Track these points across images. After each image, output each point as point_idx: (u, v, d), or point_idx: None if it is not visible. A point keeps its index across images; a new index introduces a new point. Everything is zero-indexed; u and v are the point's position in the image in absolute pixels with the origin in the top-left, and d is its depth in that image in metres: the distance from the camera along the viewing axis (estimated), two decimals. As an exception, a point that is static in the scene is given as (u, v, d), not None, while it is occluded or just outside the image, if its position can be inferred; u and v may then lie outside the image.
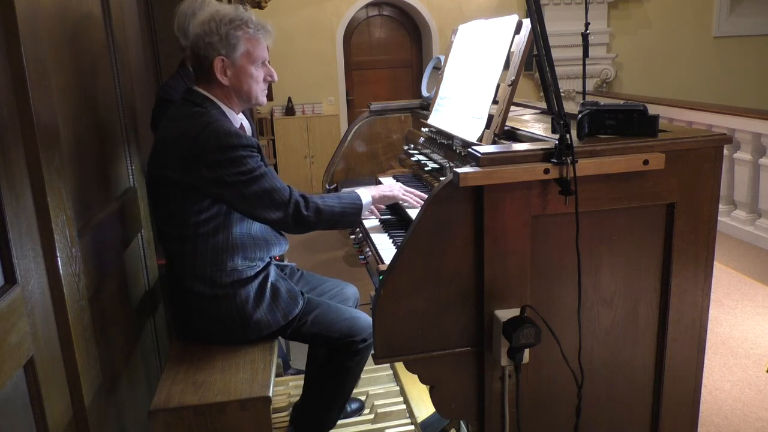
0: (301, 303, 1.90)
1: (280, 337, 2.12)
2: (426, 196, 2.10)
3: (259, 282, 1.84)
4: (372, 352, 1.50)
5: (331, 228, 1.94)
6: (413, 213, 2.01)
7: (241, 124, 1.90)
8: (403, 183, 2.35)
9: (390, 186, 2.12)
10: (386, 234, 2.07)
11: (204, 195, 1.74)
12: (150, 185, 1.87)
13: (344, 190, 2.19)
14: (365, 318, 2.01)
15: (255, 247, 1.84)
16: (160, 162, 1.78)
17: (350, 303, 2.22)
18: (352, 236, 2.24)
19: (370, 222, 2.19)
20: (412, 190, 2.13)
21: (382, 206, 2.17)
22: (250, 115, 2.59)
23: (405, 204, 2.09)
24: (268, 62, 1.86)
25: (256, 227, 1.85)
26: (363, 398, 2.61)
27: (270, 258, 1.93)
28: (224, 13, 1.75)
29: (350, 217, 1.92)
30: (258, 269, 1.85)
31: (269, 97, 7.04)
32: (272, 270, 1.91)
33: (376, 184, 2.46)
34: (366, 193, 1.99)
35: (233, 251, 1.79)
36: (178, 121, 1.77)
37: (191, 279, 1.81)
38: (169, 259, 1.91)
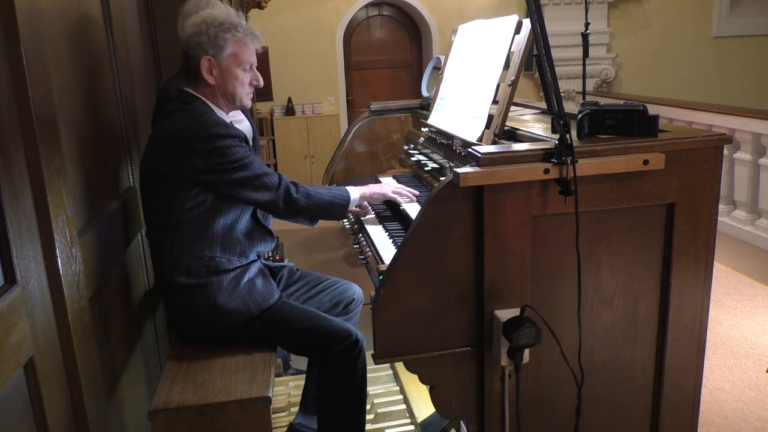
0: (276, 296, 1.90)
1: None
2: (416, 192, 2.15)
3: (236, 274, 1.85)
4: (372, 352, 1.50)
5: (319, 216, 2.00)
6: (413, 213, 2.01)
7: (231, 122, 1.92)
8: (403, 183, 2.35)
9: (381, 185, 2.18)
10: (386, 234, 2.07)
11: (193, 184, 1.78)
12: (141, 179, 1.89)
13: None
14: (346, 327, 1.89)
15: (236, 242, 1.86)
16: (151, 156, 1.82)
17: (353, 302, 2.22)
18: (352, 235, 2.24)
19: (371, 221, 2.20)
20: (403, 187, 2.18)
21: (379, 204, 2.22)
22: (250, 114, 2.59)
23: (397, 200, 2.13)
24: (255, 67, 1.91)
25: (241, 223, 1.87)
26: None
27: (256, 256, 1.94)
28: (216, 16, 1.82)
29: (338, 208, 1.99)
30: (238, 264, 1.86)
31: (269, 97, 7.07)
32: (254, 267, 1.91)
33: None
34: (356, 190, 2.06)
35: (212, 241, 1.82)
36: (170, 118, 1.82)
37: (170, 268, 1.83)
38: (152, 252, 1.93)
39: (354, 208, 2.14)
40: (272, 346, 1.88)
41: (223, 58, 1.82)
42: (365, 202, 2.16)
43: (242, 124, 2.50)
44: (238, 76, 1.85)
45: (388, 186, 2.17)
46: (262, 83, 1.95)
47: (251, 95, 1.93)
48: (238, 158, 1.77)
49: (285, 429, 2.43)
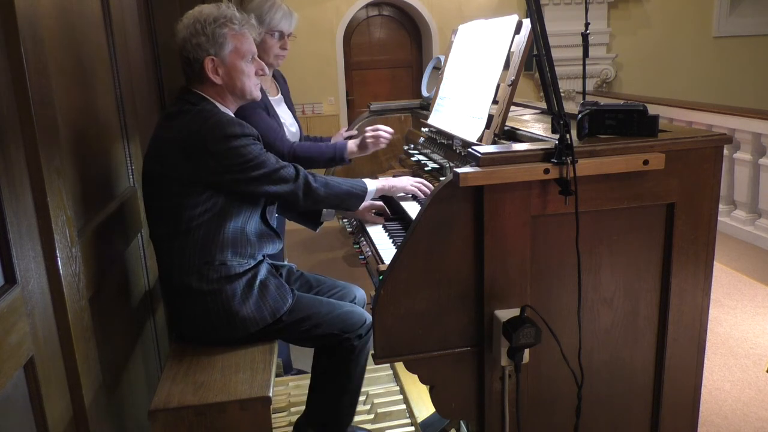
0: (290, 300, 1.89)
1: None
2: (431, 186, 2.12)
3: (248, 279, 1.84)
4: (372, 352, 1.50)
5: (336, 207, 2.01)
6: (413, 213, 2.01)
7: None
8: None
9: (399, 178, 2.16)
10: (386, 234, 2.07)
11: (204, 187, 1.75)
12: (145, 182, 1.86)
13: None
14: (359, 312, 2.00)
15: (246, 243, 1.84)
16: (159, 159, 1.78)
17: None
18: (352, 235, 2.24)
19: (373, 225, 2.19)
20: (422, 180, 2.15)
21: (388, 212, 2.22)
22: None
23: (417, 194, 2.11)
24: (257, 56, 1.87)
25: (250, 225, 1.85)
26: (363, 398, 2.60)
27: (263, 256, 1.93)
28: (208, 13, 1.78)
29: (355, 199, 1.98)
30: (248, 266, 1.85)
31: (269, 96, 7.02)
32: (263, 268, 1.90)
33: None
34: (373, 182, 2.04)
35: (223, 245, 1.80)
36: (176, 119, 1.78)
37: (179, 274, 1.81)
38: (159, 257, 1.90)
39: (371, 216, 2.13)
40: (272, 346, 1.88)
41: (226, 55, 1.78)
42: (380, 214, 2.14)
43: (294, 126, 2.50)
44: (243, 70, 1.81)
45: (406, 179, 2.14)
46: (267, 71, 1.91)
47: (258, 86, 1.90)
48: (254, 156, 1.75)
49: (285, 429, 2.43)
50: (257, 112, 2.28)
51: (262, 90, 2.31)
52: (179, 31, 1.80)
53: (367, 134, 2.33)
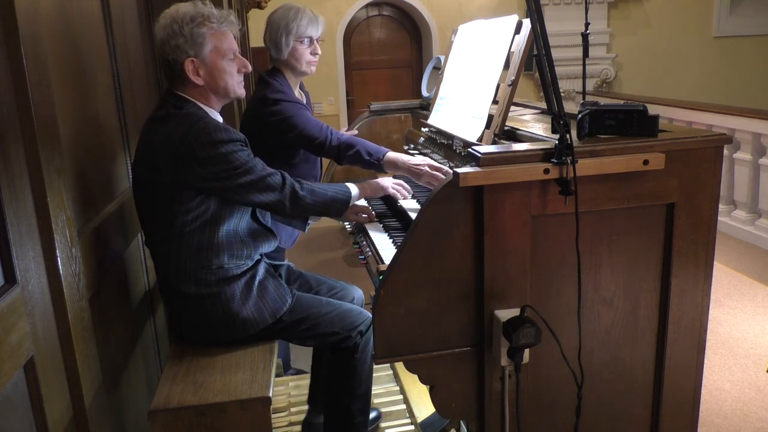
0: (289, 300, 1.89)
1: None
2: (411, 191, 2.14)
3: (246, 280, 1.83)
4: (372, 352, 1.50)
5: (322, 214, 1.99)
6: (413, 213, 2.01)
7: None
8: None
9: (379, 180, 2.15)
10: (386, 234, 2.07)
11: (194, 192, 1.73)
12: (135, 188, 1.84)
13: None
14: (359, 309, 2.00)
15: (242, 245, 1.83)
16: (148, 165, 1.75)
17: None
18: (352, 235, 2.24)
19: (373, 225, 2.19)
20: (401, 182, 2.15)
21: (379, 204, 2.20)
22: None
23: (397, 195, 2.12)
24: (239, 53, 1.83)
25: (243, 225, 1.85)
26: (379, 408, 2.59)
27: (261, 256, 1.92)
28: (184, 12, 1.72)
29: (339, 204, 1.97)
30: (246, 267, 1.84)
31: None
32: (261, 268, 1.89)
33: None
34: (355, 186, 2.03)
35: (219, 250, 1.78)
36: (162, 123, 1.74)
37: (176, 279, 1.80)
38: (156, 261, 1.89)
39: (356, 216, 2.13)
40: (272, 346, 1.88)
41: (206, 55, 1.73)
42: (365, 214, 2.14)
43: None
44: (225, 69, 1.77)
45: (386, 181, 2.14)
46: (250, 68, 1.85)
47: (242, 83, 1.85)
48: (242, 163, 1.72)
49: (285, 429, 2.43)
50: (303, 112, 2.27)
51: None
52: (157, 32, 1.74)
53: (426, 171, 2.12)
